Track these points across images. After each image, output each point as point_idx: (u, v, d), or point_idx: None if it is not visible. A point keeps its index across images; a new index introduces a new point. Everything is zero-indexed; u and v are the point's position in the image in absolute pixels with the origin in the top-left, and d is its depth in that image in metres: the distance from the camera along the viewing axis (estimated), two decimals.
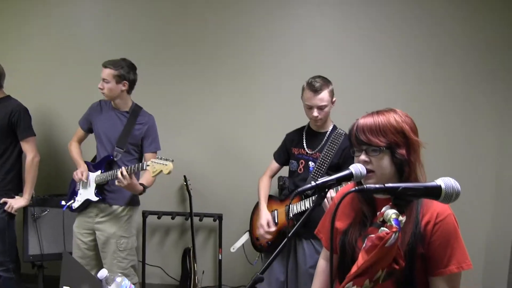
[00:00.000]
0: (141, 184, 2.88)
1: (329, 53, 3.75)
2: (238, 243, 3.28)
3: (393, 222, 1.12)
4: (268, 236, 2.77)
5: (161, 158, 2.67)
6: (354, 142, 1.50)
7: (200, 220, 3.75)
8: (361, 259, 1.15)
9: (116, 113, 3.01)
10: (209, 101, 3.84)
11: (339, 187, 2.30)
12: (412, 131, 1.47)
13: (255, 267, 3.46)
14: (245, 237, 3.20)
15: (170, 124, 3.71)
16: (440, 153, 3.57)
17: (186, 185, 3.66)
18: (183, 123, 3.84)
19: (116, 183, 2.75)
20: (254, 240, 2.98)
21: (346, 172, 1.42)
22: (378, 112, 1.50)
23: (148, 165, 2.68)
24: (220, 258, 3.61)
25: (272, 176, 3.02)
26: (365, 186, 1.16)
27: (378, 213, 1.17)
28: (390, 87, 3.72)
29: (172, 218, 3.78)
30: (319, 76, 2.68)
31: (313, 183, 1.36)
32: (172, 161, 2.64)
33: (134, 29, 3.85)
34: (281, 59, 3.71)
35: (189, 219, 3.66)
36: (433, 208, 1.45)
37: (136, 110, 3.03)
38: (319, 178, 2.63)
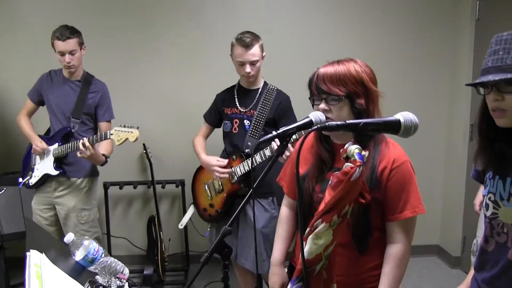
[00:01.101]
0: (103, 154, 2.82)
1: (273, 14, 3.76)
2: (185, 218, 3.23)
3: (356, 157, 1.14)
4: (226, 170, 2.71)
5: (124, 126, 2.62)
6: (314, 91, 1.51)
7: (163, 187, 3.73)
8: (328, 195, 1.17)
9: (68, 83, 2.90)
10: (163, 67, 3.75)
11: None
12: (371, 81, 1.50)
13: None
14: (191, 210, 3.15)
15: (123, 92, 3.62)
16: (395, 103, 3.67)
17: (146, 153, 3.61)
18: (137, 91, 3.76)
19: (79, 154, 2.68)
20: (202, 211, 2.96)
21: (305, 120, 1.42)
22: (338, 62, 1.50)
23: (112, 134, 2.62)
24: (187, 221, 3.60)
25: (206, 138, 2.97)
26: (327, 123, 1.18)
27: (341, 150, 1.19)
28: (339, 43, 3.78)
29: (134, 188, 3.74)
30: (248, 32, 2.65)
31: (274, 133, 1.36)
32: (137, 128, 2.60)
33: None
34: (230, 22, 3.66)
35: (152, 187, 3.62)
36: (390, 155, 1.50)
37: (88, 78, 2.92)
38: (256, 135, 2.65)
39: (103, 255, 1.58)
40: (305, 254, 1.18)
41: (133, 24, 3.68)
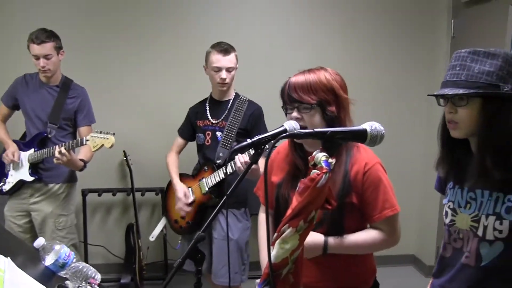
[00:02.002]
0: (81, 160, 2.81)
1: (258, 22, 3.82)
2: (157, 230, 3.22)
3: (323, 164, 1.17)
4: (188, 208, 2.75)
5: (100, 132, 2.59)
6: (287, 100, 1.55)
7: (142, 195, 3.72)
8: (295, 201, 1.20)
9: (45, 88, 2.87)
10: (145, 73, 3.75)
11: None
12: (341, 88, 1.54)
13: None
14: (163, 222, 3.16)
15: (104, 98, 3.59)
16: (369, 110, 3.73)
17: (126, 160, 3.60)
18: (118, 97, 3.74)
19: (55, 161, 2.64)
20: (173, 223, 2.97)
21: (280, 128, 1.45)
22: (309, 71, 1.55)
23: (87, 140, 2.61)
24: (164, 232, 3.60)
25: (179, 152, 2.99)
26: (295, 131, 1.21)
27: (309, 158, 1.22)
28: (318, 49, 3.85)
29: (114, 195, 3.72)
30: (223, 41, 2.70)
31: (248, 141, 1.39)
32: (113, 134, 2.58)
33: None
34: (214, 29, 3.69)
35: (131, 195, 3.61)
36: (361, 159, 1.55)
37: (66, 83, 2.91)
38: (228, 146, 2.68)
39: (74, 260, 1.58)
40: (272, 258, 1.21)
41: (114, 28, 3.68)
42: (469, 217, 1.37)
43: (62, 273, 1.54)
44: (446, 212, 1.46)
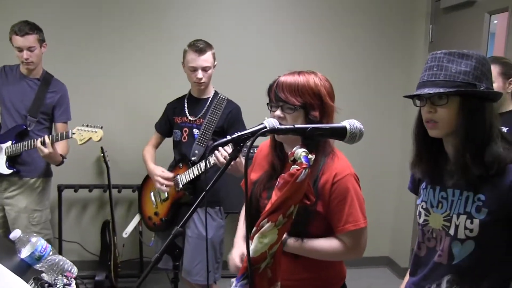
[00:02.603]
0: (60, 154, 2.78)
1: (237, 23, 3.83)
2: (130, 227, 3.20)
3: (303, 159, 1.20)
4: (169, 183, 2.73)
5: (87, 125, 2.61)
6: (272, 98, 1.56)
7: (119, 191, 3.68)
8: (275, 196, 1.22)
9: (26, 81, 2.84)
10: (122, 70, 3.72)
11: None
12: (328, 95, 1.55)
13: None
14: (137, 219, 3.15)
15: (81, 94, 3.54)
16: (347, 112, 3.79)
17: (104, 156, 3.56)
18: (95, 93, 3.70)
19: (40, 153, 2.63)
20: (147, 219, 2.96)
21: (260, 125, 1.46)
22: (299, 73, 1.56)
23: (74, 133, 2.60)
24: (140, 230, 3.57)
25: (156, 147, 2.99)
26: (275, 126, 1.23)
27: (289, 153, 1.24)
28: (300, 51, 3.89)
29: (90, 191, 3.68)
30: (201, 39, 2.69)
31: (228, 137, 1.39)
32: (101, 127, 2.58)
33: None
34: (191, 28, 3.67)
35: (108, 191, 3.58)
36: (332, 169, 1.54)
37: (47, 77, 2.88)
38: (204, 143, 2.69)
39: (51, 253, 1.57)
40: (251, 252, 1.22)
41: (92, 24, 3.64)
42: (441, 216, 1.41)
43: (38, 266, 1.53)
44: (420, 212, 1.50)
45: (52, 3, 3.57)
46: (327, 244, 1.57)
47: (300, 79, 1.52)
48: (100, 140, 2.59)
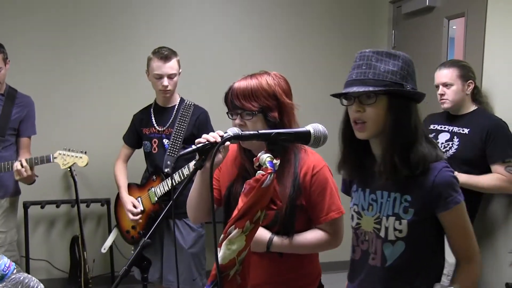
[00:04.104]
0: None
1: (201, 25, 3.85)
2: (108, 242, 3.16)
3: (268, 165, 1.20)
4: (138, 218, 2.73)
5: (69, 150, 2.62)
6: (229, 106, 1.55)
7: (87, 206, 3.61)
8: (241, 202, 1.22)
9: None
10: (89, 82, 3.67)
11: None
12: (284, 93, 1.55)
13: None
14: (114, 233, 3.11)
15: (46, 107, 3.47)
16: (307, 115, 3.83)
17: (70, 170, 3.45)
18: (59, 105, 3.63)
19: (16, 176, 2.61)
20: (124, 233, 2.93)
21: (224, 134, 1.47)
22: (251, 76, 1.55)
23: (55, 158, 2.59)
24: (110, 244, 3.50)
25: (127, 161, 2.96)
26: (239, 132, 1.24)
27: (254, 159, 1.25)
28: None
29: (57, 207, 3.60)
30: (165, 47, 2.68)
31: (193, 146, 1.38)
32: (85, 152, 2.61)
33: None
34: (156, 33, 3.68)
35: (76, 206, 3.49)
36: (309, 162, 1.57)
37: (11, 92, 2.80)
38: (175, 153, 2.68)
39: (15, 271, 1.52)
40: (219, 259, 1.22)
41: (53, 31, 3.60)
42: (372, 219, 1.42)
43: (0, 286, 1.47)
44: (352, 215, 1.51)
45: (11, 11, 3.51)
46: (312, 236, 1.59)
47: (253, 82, 1.51)
48: (86, 165, 2.62)
